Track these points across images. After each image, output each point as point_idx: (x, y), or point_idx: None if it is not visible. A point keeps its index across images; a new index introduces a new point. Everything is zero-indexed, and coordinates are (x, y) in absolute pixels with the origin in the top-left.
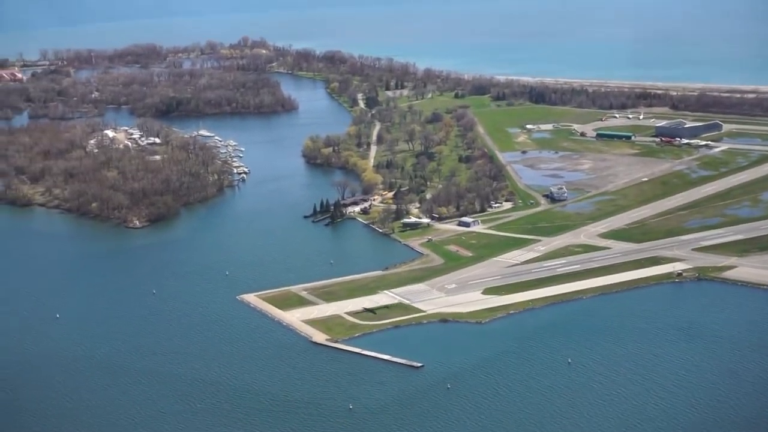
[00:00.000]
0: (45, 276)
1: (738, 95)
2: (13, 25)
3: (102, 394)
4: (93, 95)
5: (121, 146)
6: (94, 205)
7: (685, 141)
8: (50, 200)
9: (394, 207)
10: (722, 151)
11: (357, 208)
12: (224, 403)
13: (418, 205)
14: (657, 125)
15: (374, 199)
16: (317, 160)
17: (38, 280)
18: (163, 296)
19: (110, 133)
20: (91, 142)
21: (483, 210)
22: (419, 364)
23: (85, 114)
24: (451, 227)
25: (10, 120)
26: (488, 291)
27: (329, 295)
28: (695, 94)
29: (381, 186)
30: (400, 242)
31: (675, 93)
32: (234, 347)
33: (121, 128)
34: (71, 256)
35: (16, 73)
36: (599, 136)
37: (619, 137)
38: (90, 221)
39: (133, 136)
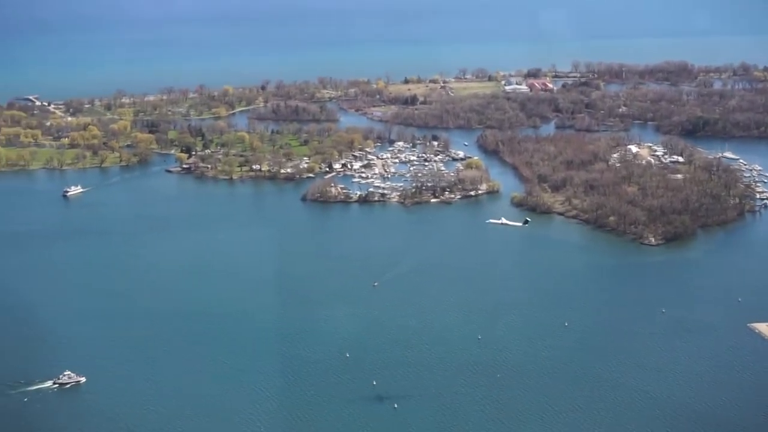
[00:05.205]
0: (558, 284)
1: None
2: (548, 37)
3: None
4: (620, 110)
5: (644, 162)
6: (611, 218)
7: None
8: (569, 210)
9: None
10: None
11: None
12: None
13: None
14: None
15: None
16: None
17: (552, 287)
18: (672, 316)
19: (633, 148)
20: (614, 155)
21: None
22: None
23: (610, 128)
24: None
25: (537, 128)
26: None
27: None
28: None
29: None
30: None
31: None
32: (738, 376)
33: (645, 144)
34: (585, 267)
35: (548, 83)
36: None
37: None
38: (605, 234)
39: (657, 153)
